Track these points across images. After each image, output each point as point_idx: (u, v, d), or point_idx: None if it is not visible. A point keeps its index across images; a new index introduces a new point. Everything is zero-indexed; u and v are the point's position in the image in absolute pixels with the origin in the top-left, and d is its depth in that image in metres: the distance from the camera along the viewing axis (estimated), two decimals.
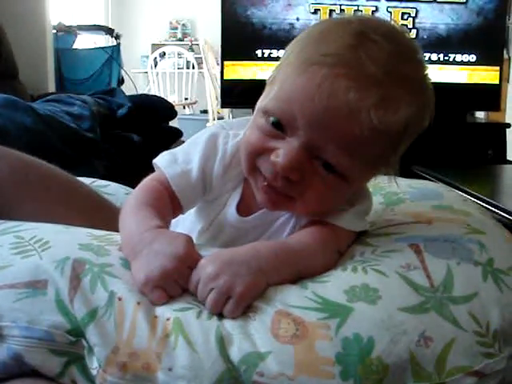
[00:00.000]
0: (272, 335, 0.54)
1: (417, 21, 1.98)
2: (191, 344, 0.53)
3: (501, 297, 0.61)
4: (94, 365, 0.54)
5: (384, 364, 0.53)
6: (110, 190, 1.04)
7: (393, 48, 0.61)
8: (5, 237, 0.66)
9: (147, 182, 0.72)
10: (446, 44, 2.00)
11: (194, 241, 0.63)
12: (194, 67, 5.46)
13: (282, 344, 0.53)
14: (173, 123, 2.40)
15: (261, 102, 0.66)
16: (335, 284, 0.61)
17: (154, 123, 2.10)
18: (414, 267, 0.62)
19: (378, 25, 0.64)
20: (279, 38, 1.90)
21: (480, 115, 2.52)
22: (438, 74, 1.98)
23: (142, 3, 6.46)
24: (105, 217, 0.71)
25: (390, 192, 0.89)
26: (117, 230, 0.67)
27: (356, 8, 1.97)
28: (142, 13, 6.46)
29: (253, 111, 0.69)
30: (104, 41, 4.62)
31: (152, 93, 5.13)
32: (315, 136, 0.60)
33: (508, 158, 2.11)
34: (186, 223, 0.77)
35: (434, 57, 2.00)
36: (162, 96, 4.25)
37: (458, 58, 2.00)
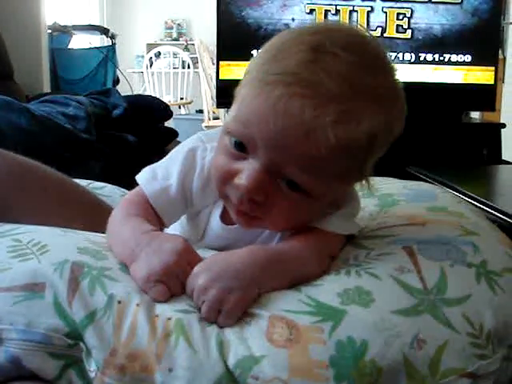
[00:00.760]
0: (267, 339, 0.54)
1: (412, 21, 1.99)
2: (192, 345, 0.54)
3: (494, 298, 0.61)
4: (92, 367, 0.54)
5: (378, 367, 0.53)
6: (106, 191, 1.05)
7: (353, 59, 0.59)
8: (2, 240, 0.66)
9: (131, 196, 0.72)
10: (441, 44, 2.00)
11: None
12: (189, 67, 5.46)
13: (276, 348, 0.54)
14: (168, 123, 2.39)
15: (226, 118, 0.66)
16: (329, 287, 0.61)
17: (149, 124, 2.09)
18: (407, 270, 0.62)
19: (338, 35, 0.62)
20: None
21: (475, 115, 2.52)
22: (433, 74, 1.99)
23: (137, 3, 6.45)
24: (101, 218, 0.71)
25: (384, 194, 0.89)
26: None
27: (351, 8, 1.97)
28: (138, 13, 6.46)
29: None
30: (99, 41, 4.61)
31: (147, 92, 5.13)
32: (275, 157, 0.59)
33: (503, 157, 2.11)
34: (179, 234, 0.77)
35: (430, 57, 2.00)
36: (158, 96, 4.27)
37: (454, 58, 2.01)
